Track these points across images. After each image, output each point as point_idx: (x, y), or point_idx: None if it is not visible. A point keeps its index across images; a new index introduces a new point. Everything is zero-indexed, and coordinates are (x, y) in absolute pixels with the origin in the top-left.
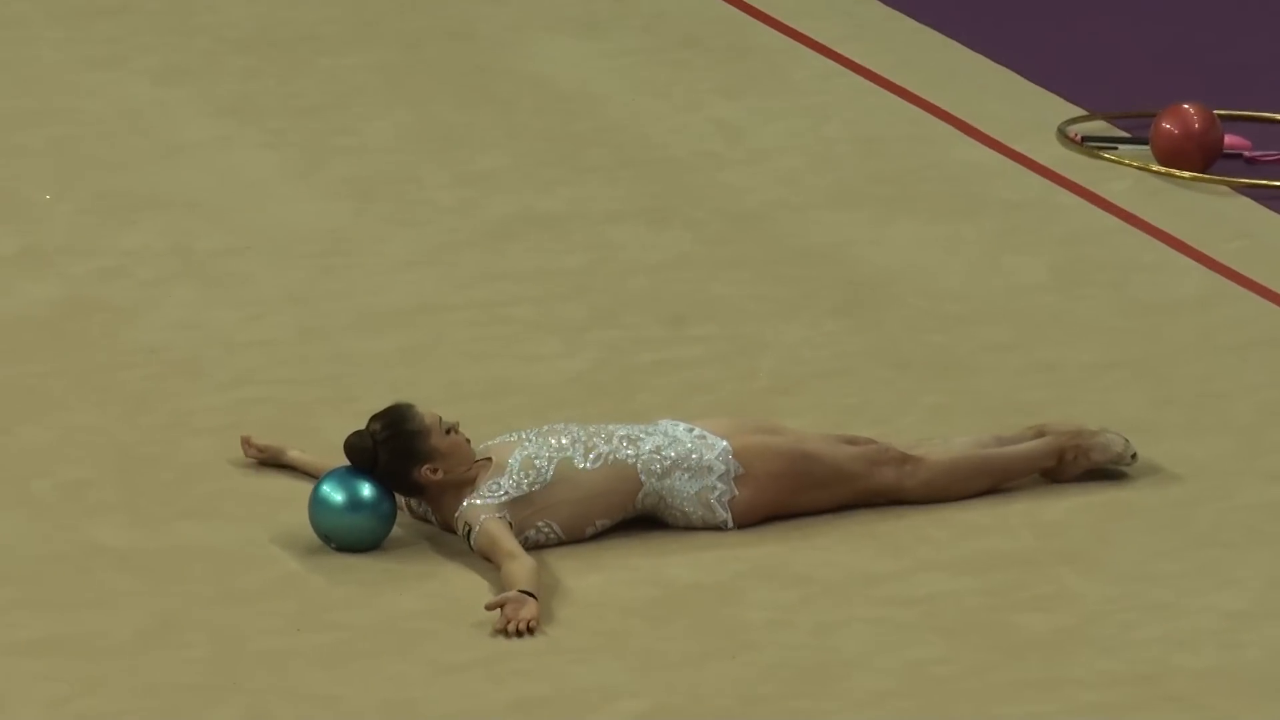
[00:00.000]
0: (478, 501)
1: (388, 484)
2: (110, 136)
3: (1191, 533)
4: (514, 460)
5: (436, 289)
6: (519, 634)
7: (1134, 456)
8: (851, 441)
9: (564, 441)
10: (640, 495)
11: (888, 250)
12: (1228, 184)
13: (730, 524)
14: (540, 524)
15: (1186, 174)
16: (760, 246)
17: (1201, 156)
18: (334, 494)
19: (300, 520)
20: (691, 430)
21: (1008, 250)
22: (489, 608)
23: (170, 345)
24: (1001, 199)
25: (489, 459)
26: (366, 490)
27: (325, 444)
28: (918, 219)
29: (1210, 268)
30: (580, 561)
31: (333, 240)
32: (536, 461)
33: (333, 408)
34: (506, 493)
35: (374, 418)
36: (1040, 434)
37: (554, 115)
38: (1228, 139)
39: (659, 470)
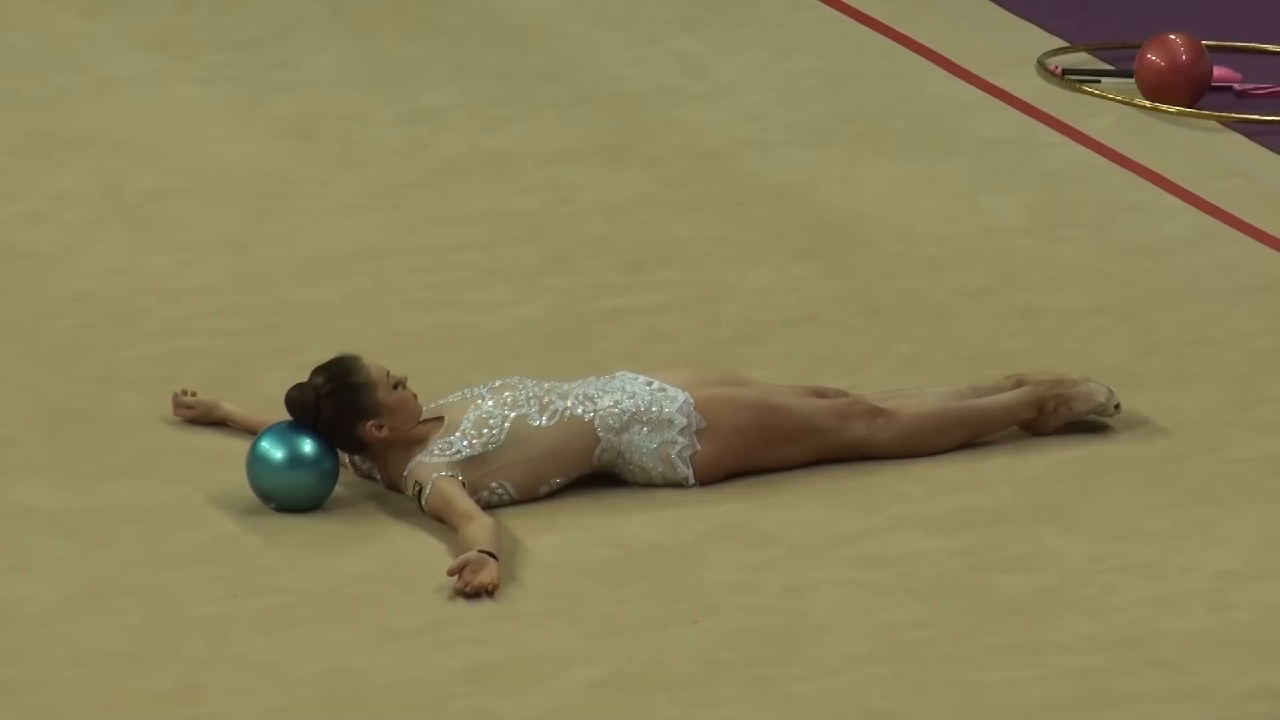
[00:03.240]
0: (428, 460)
1: (330, 440)
2: (34, 72)
3: (1179, 488)
4: (467, 420)
5: (381, 233)
6: (478, 596)
7: (1117, 407)
8: (820, 394)
9: (519, 398)
10: (597, 451)
11: (858, 190)
12: (1217, 119)
13: (692, 480)
14: (494, 484)
15: (1173, 109)
16: (724, 187)
17: (1189, 90)
18: (273, 451)
19: (237, 479)
20: (650, 383)
21: (985, 190)
22: (450, 572)
23: (100, 293)
24: (978, 136)
25: (440, 418)
26: (308, 447)
27: (265, 398)
28: (890, 157)
29: (1199, 208)
30: (535, 522)
31: (272, 182)
32: (490, 420)
33: (273, 359)
34: (459, 451)
35: (316, 370)
36: (1019, 384)
37: (505, 48)
38: (1217, 71)
39: (616, 425)
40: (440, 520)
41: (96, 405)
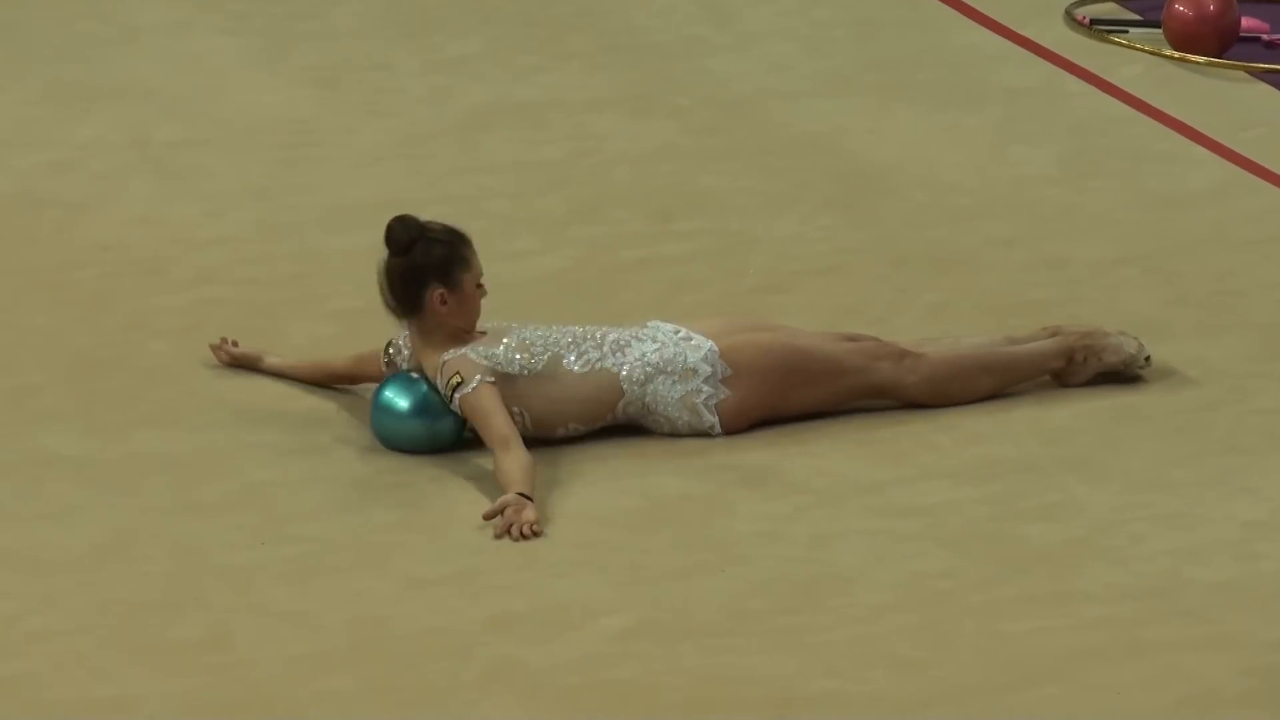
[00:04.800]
0: (472, 356)
1: (395, 285)
2: (62, 22)
3: (1205, 439)
4: (510, 338)
5: (407, 183)
6: (523, 537)
7: (1148, 360)
8: (850, 339)
9: (560, 339)
10: (621, 404)
11: (885, 140)
12: (1245, 69)
13: (718, 429)
14: (515, 409)
15: (1201, 59)
16: (750, 136)
17: (1217, 40)
18: (397, 400)
19: (265, 427)
20: (677, 332)
21: (1012, 140)
22: (487, 516)
23: (127, 243)
24: (1006, 86)
25: (483, 332)
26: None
27: (290, 346)
28: (917, 107)
29: (1226, 158)
30: (562, 471)
31: (298, 131)
32: (533, 346)
33: (298, 308)
34: (499, 364)
35: (431, 222)
36: (1054, 335)
37: None
38: (1245, 21)
39: (641, 377)
40: (471, 420)
41: (124, 354)
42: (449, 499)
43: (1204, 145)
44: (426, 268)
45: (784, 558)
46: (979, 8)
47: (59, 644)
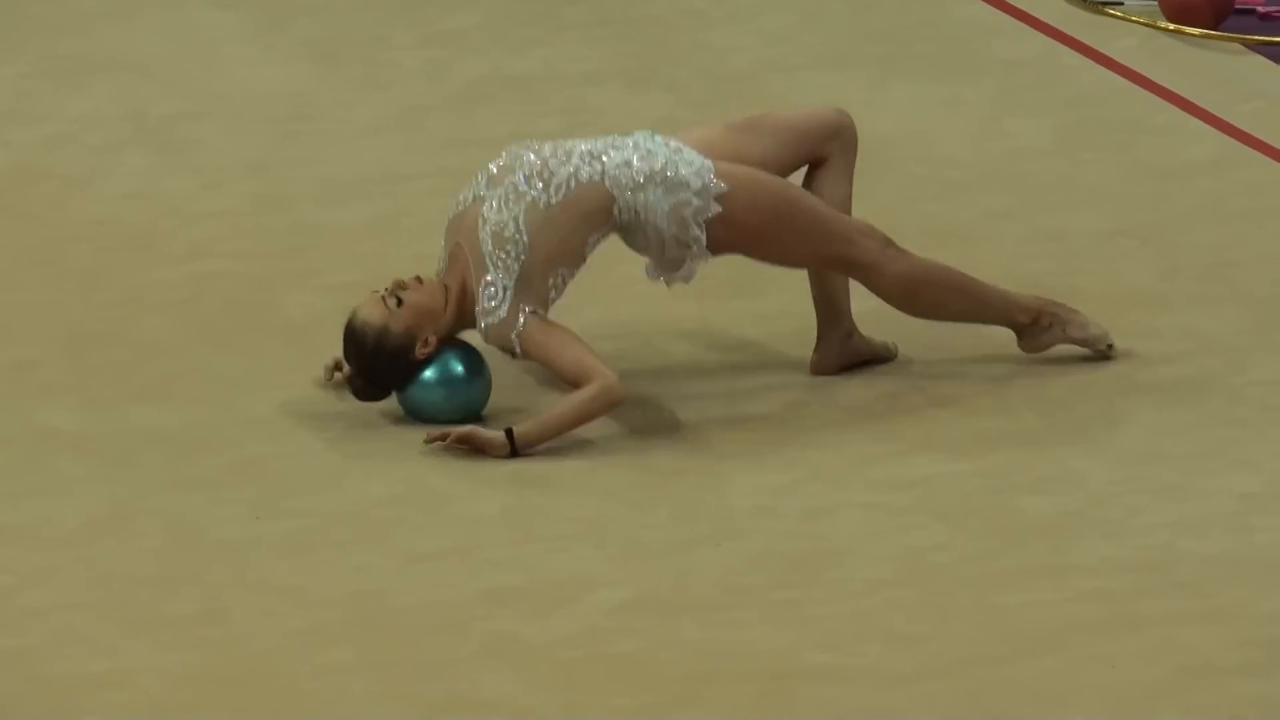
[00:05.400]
0: (491, 318)
1: (412, 379)
2: None
3: (1202, 411)
4: (485, 244)
5: (403, 156)
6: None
7: (1110, 348)
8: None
9: (518, 183)
10: (616, 210)
11: (882, 113)
12: (1241, 41)
13: (703, 243)
14: (550, 283)
15: (1196, 31)
16: (747, 110)
17: (1213, 12)
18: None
19: (260, 402)
20: (668, 143)
21: (1009, 113)
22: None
23: (122, 217)
24: (1002, 58)
25: (463, 256)
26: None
27: (287, 320)
28: (914, 80)
29: (1222, 130)
30: (558, 444)
31: (294, 105)
32: (505, 231)
33: (295, 282)
34: (505, 289)
35: (350, 361)
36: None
37: None
38: None
39: (630, 184)
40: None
41: (119, 328)
42: (447, 473)
43: (1200, 118)
44: (400, 370)
45: (780, 532)
46: None
47: (55, 619)
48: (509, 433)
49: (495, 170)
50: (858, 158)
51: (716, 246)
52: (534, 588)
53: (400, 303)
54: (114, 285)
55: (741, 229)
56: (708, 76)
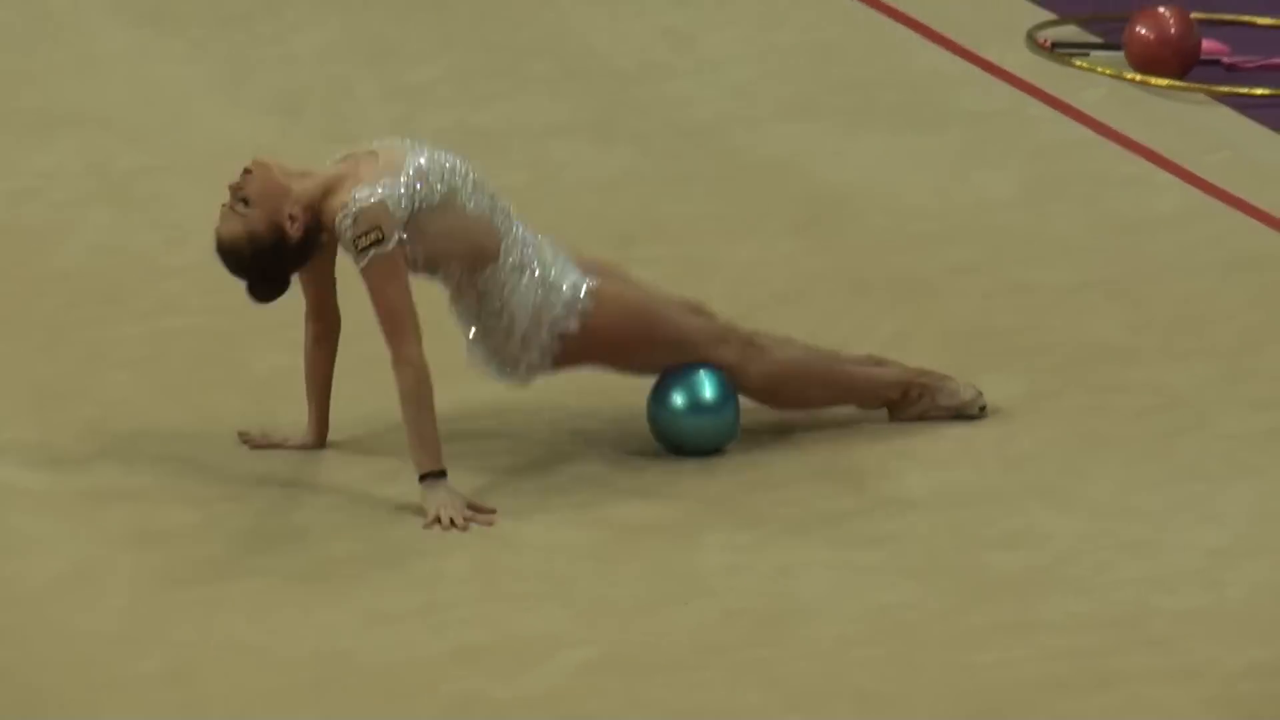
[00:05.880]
0: (389, 204)
1: (294, 269)
2: (21, 48)
3: (1170, 465)
4: (409, 165)
5: None
6: (454, 526)
7: (982, 410)
8: (697, 312)
9: (454, 166)
10: (491, 268)
11: (847, 165)
12: (1207, 92)
13: (550, 354)
14: (409, 245)
15: (1163, 82)
16: (711, 162)
17: (1178, 63)
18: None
19: (225, 459)
20: (558, 254)
21: (975, 164)
22: (426, 527)
23: (87, 272)
24: (967, 109)
25: (373, 153)
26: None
27: (253, 377)
28: (878, 131)
29: (1189, 182)
30: (526, 502)
31: None
32: (429, 176)
33: (261, 337)
34: (404, 195)
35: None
36: (878, 364)
37: (492, 24)
38: (1205, 44)
39: (515, 261)
40: (368, 283)
41: (84, 385)
42: (408, 529)
43: (1166, 169)
44: (278, 260)
45: (749, 590)
46: (941, 30)
47: (19, 677)
48: (423, 478)
49: (429, 144)
50: (822, 210)
51: (569, 358)
52: (501, 647)
53: (246, 202)
54: (79, 341)
55: (601, 344)
56: (672, 129)
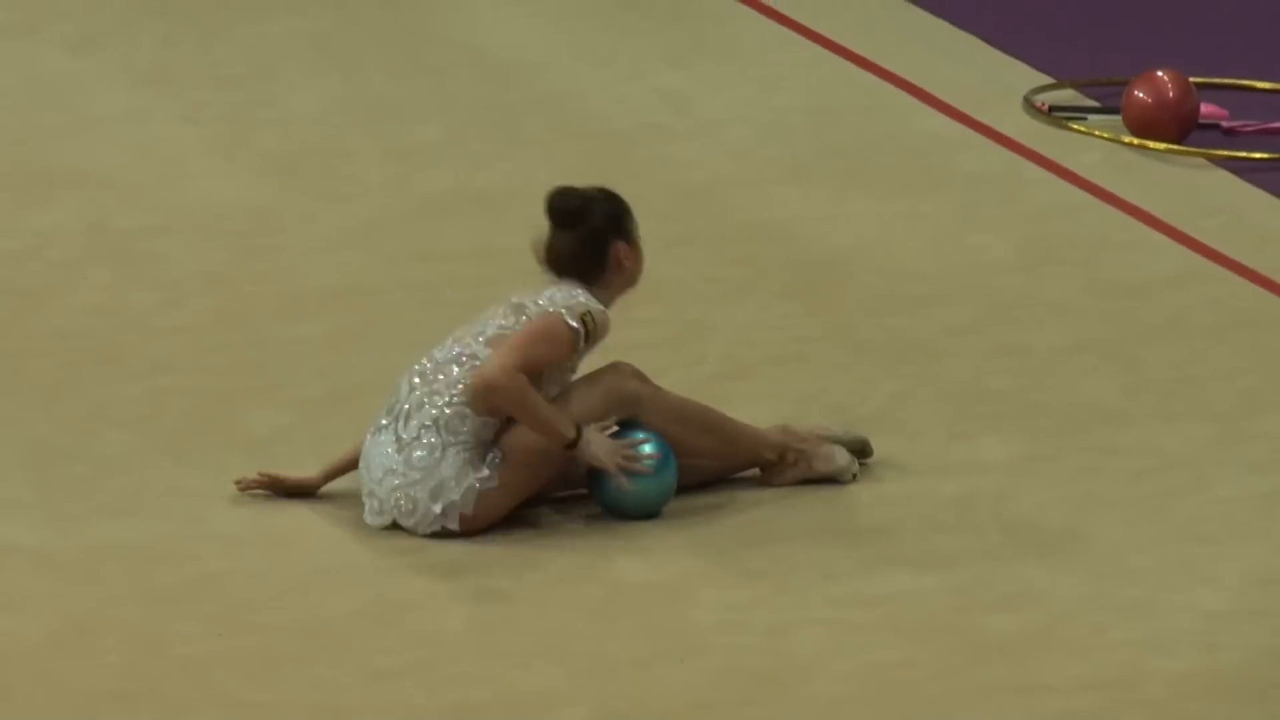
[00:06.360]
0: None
1: (569, 251)
2: (19, 109)
3: (1167, 527)
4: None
5: (367, 270)
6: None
7: (855, 477)
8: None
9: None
10: None
11: (844, 227)
12: (1205, 156)
13: (456, 519)
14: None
15: (1160, 145)
16: (709, 224)
17: (1176, 127)
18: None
19: (222, 517)
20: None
21: (971, 227)
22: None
23: (85, 331)
24: (965, 172)
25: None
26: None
27: (251, 436)
28: (876, 194)
29: (1186, 245)
30: (521, 558)
31: (256, 219)
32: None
33: (258, 396)
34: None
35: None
36: (782, 430)
37: (490, 85)
38: (1203, 108)
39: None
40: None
41: (82, 443)
42: (403, 585)
43: (1163, 232)
44: (605, 230)
45: (744, 647)
46: (938, 94)
47: None
48: (570, 447)
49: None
50: (820, 271)
51: (480, 516)
52: (496, 704)
53: None
54: (76, 400)
55: (511, 494)
56: (669, 190)
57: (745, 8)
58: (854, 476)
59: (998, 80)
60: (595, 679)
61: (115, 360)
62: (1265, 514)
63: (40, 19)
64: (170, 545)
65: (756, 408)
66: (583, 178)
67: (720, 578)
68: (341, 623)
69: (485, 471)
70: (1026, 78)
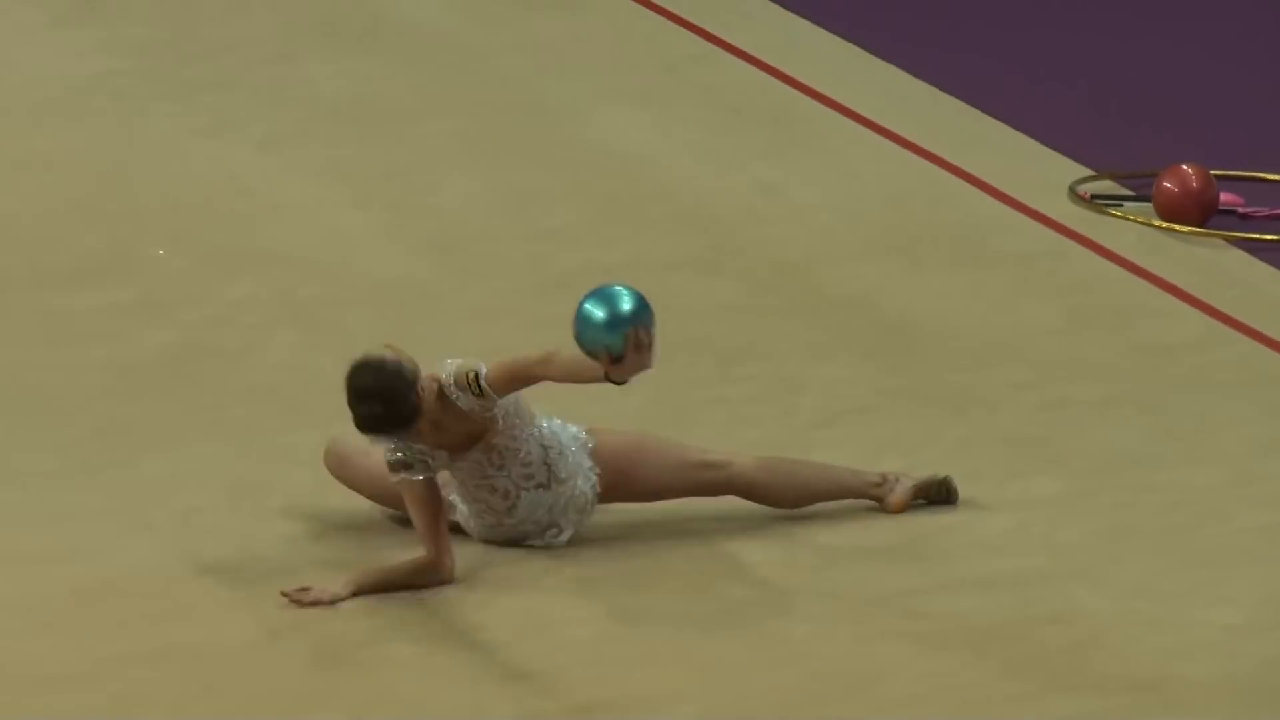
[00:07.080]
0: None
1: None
2: (217, 198)
3: (1190, 553)
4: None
5: (509, 333)
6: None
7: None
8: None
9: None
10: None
11: (915, 298)
12: (1224, 238)
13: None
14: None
15: (1186, 229)
16: (800, 294)
17: (1199, 212)
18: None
19: (372, 536)
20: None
21: (1023, 297)
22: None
23: (274, 385)
24: (1017, 251)
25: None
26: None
27: None
28: (942, 269)
29: (1208, 313)
30: (642, 578)
31: (416, 290)
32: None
33: None
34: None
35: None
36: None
37: (616, 178)
38: (1223, 196)
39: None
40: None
41: (271, 479)
42: (418, 677)
43: (1188, 302)
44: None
45: (830, 655)
46: (994, 184)
47: None
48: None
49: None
50: (895, 336)
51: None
52: (617, 704)
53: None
54: (267, 444)
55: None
56: (767, 266)
57: (830, 111)
58: (956, 491)
59: (1046, 172)
60: (703, 683)
61: (300, 410)
62: (1275, 542)
63: (233, 122)
64: (340, 563)
65: (842, 451)
66: (695, 256)
67: (809, 595)
68: (311, 677)
69: None
70: (1070, 170)
